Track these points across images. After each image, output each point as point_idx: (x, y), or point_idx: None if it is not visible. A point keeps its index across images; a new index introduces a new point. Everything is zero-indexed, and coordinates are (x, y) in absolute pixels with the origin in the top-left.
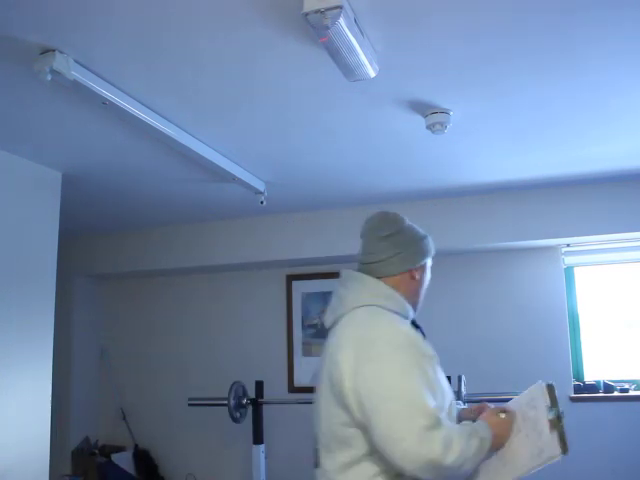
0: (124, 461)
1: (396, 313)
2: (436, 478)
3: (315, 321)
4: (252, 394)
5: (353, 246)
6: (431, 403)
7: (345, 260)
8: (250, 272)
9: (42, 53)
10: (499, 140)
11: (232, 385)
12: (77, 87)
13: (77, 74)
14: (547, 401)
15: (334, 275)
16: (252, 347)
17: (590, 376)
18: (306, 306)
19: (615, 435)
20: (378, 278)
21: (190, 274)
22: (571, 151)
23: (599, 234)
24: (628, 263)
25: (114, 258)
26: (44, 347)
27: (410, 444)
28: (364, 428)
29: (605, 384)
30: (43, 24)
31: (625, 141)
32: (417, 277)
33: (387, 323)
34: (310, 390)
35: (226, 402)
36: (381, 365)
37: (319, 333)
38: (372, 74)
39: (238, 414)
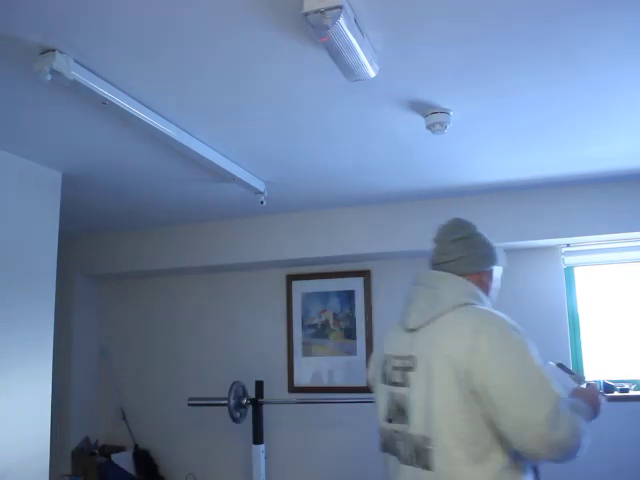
0: (124, 461)
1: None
2: (563, 458)
3: (315, 321)
4: (252, 394)
5: (353, 246)
6: (555, 388)
7: (345, 260)
8: (250, 272)
9: (42, 53)
10: (499, 140)
11: (232, 385)
12: (77, 87)
13: (77, 74)
14: (567, 373)
15: (334, 275)
16: (252, 347)
17: (590, 376)
18: (306, 306)
19: (615, 434)
20: (460, 276)
21: (190, 274)
22: (571, 151)
23: (599, 234)
24: (628, 263)
25: (114, 258)
26: (44, 347)
27: (545, 428)
28: (490, 422)
29: (605, 384)
30: (43, 24)
31: (625, 141)
32: (485, 281)
33: (502, 318)
34: (310, 390)
35: (226, 402)
36: (508, 356)
37: (319, 333)
38: (372, 74)
39: (238, 414)
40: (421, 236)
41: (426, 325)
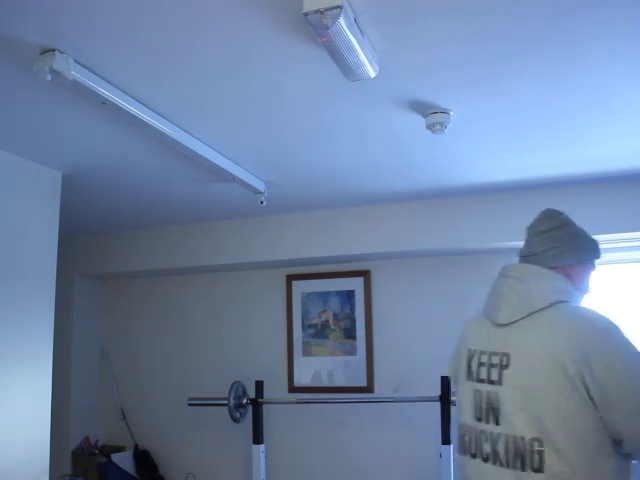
0: (124, 461)
1: None
2: None
3: (315, 321)
4: (252, 394)
5: (353, 246)
6: None
7: (345, 260)
8: (250, 272)
9: (42, 53)
10: (499, 140)
11: (232, 385)
12: (77, 87)
13: (77, 74)
14: None
15: (334, 275)
16: (252, 347)
17: None
18: (306, 306)
19: None
20: (550, 269)
21: (190, 274)
22: (571, 151)
23: (599, 234)
24: (628, 263)
25: (114, 258)
26: (44, 347)
27: None
28: (603, 424)
29: None
30: (43, 24)
31: (625, 141)
32: (573, 274)
33: (607, 319)
34: (310, 390)
35: (226, 402)
36: (622, 358)
37: (319, 333)
38: (372, 74)
39: (238, 414)
40: (421, 236)
41: (520, 321)
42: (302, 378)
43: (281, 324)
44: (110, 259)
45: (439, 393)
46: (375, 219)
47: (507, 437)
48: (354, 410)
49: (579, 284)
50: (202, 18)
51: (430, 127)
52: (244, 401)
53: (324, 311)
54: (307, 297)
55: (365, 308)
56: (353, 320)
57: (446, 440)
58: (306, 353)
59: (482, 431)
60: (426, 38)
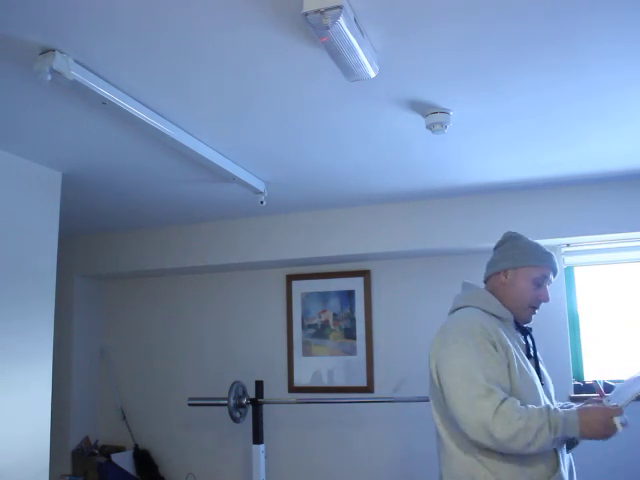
0: (124, 461)
1: (490, 313)
2: (495, 446)
3: (315, 321)
4: (252, 394)
5: (353, 246)
6: (482, 377)
7: (345, 260)
8: (250, 272)
9: (42, 53)
10: (499, 140)
11: (232, 385)
12: (77, 87)
13: (77, 74)
14: None
15: (334, 275)
16: (252, 347)
17: (590, 376)
18: (306, 306)
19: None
20: (485, 281)
21: (190, 274)
22: (571, 151)
23: (599, 234)
24: (628, 263)
25: (114, 258)
26: (44, 347)
27: (464, 409)
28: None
29: (605, 384)
30: (43, 24)
31: (625, 141)
32: (504, 280)
33: (464, 317)
34: (310, 390)
35: (226, 402)
36: (448, 349)
37: (319, 333)
38: (372, 74)
39: (238, 414)
40: (421, 236)
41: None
42: (302, 378)
43: (281, 324)
44: (110, 259)
45: None
46: (375, 219)
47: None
48: (354, 410)
49: (510, 290)
50: (202, 18)
51: (430, 127)
52: (244, 401)
53: (324, 311)
54: (307, 297)
55: (365, 308)
56: (353, 320)
57: None
58: (306, 353)
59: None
60: (426, 38)
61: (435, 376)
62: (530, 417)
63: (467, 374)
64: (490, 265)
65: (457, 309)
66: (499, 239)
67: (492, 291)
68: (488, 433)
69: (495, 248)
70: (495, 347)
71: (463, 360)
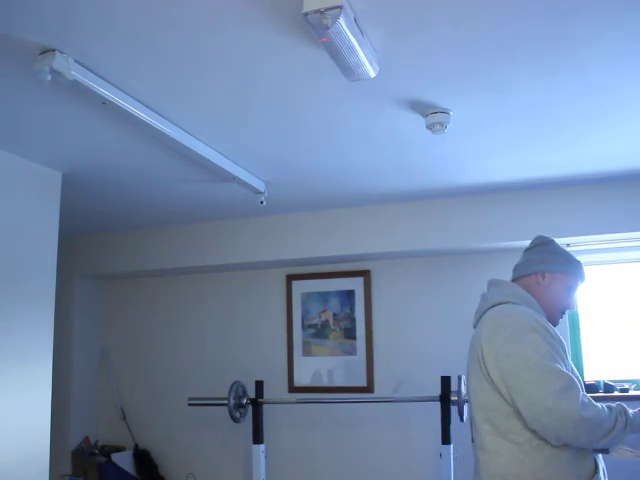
0: (124, 461)
1: (528, 308)
2: (576, 436)
3: (315, 321)
4: (252, 394)
5: (353, 246)
6: (561, 369)
7: (345, 260)
8: (250, 272)
9: (42, 53)
10: (499, 140)
11: (232, 385)
12: (77, 87)
13: (77, 74)
14: None
15: (334, 275)
16: (252, 347)
17: (590, 376)
18: (306, 306)
19: None
20: (513, 281)
21: (190, 274)
22: (571, 151)
23: (599, 234)
24: (628, 263)
25: (114, 258)
26: (44, 347)
27: (551, 402)
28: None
29: (605, 384)
30: (43, 24)
31: (625, 141)
32: (541, 282)
33: (517, 312)
34: (310, 390)
35: (226, 402)
36: (514, 344)
37: (319, 333)
38: (372, 74)
39: (238, 414)
40: (421, 236)
41: (477, 323)
42: (302, 378)
43: (281, 324)
44: (110, 259)
45: (439, 393)
46: (375, 219)
47: (472, 419)
48: (354, 410)
49: (545, 292)
50: (203, 19)
51: (430, 127)
52: (244, 401)
53: (324, 311)
54: (307, 297)
55: (365, 308)
56: (353, 320)
57: (446, 440)
58: (306, 353)
59: (471, 417)
60: (426, 38)
61: (494, 373)
62: (608, 407)
63: (546, 368)
64: (524, 266)
65: (495, 305)
66: (531, 241)
67: (525, 287)
68: (574, 423)
69: (528, 249)
70: (555, 340)
71: (537, 355)
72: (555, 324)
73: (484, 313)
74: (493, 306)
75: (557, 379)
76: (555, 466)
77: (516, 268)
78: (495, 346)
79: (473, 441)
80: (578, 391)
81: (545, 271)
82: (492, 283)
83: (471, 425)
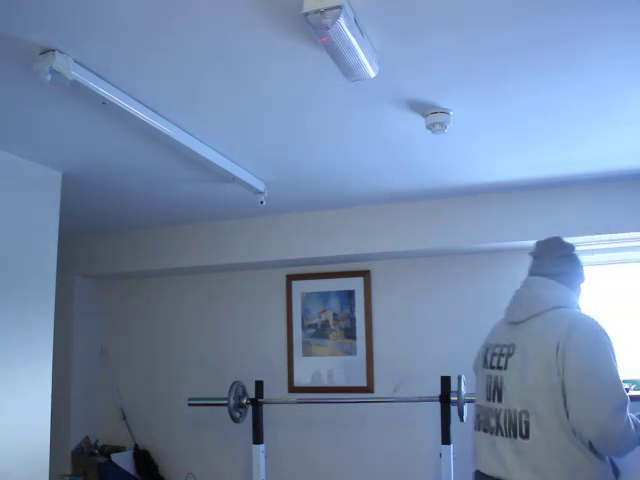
0: (124, 461)
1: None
2: (610, 449)
3: (315, 321)
4: (252, 394)
5: (353, 246)
6: (624, 390)
7: (345, 260)
8: (250, 272)
9: (42, 53)
10: (499, 140)
11: (232, 385)
12: (77, 87)
13: (77, 74)
14: None
15: (334, 275)
16: (252, 347)
17: None
18: (306, 306)
19: None
20: (553, 277)
21: (190, 274)
22: (571, 151)
23: (599, 234)
24: (629, 263)
25: (114, 258)
26: (44, 347)
27: (604, 417)
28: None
29: None
30: (43, 24)
31: (624, 141)
32: (579, 292)
33: (594, 321)
34: (310, 390)
35: (226, 402)
36: (586, 353)
37: (319, 333)
38: (372, 74)
39: (238, 414)
40: (421, 236)
41: (528, 320)
42: (302, 378)
43: (281, 324)
44: (110, 259)
45: (439, 393)
46: (375, 219)
47: (505, 411)
48: (354, 410)
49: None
50: (202, 19)
51: (430, 127)
52: (244, 401)
53: (324, 311)
54: (307, 297)
55: (365, 308)
56: (353, 320)
57: (446, 440)
58: (306, 353)
59: (490, 409)
60: (426, 38)
61: (570, 372)
62: (635, 424)
63: (615, 385)
64: (576, 276)
65: (554, 308)
66: (564, 241)
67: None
68: (615, 442)
69: (563, 251)
70: (613, 351)
71: (612, 371)
72: None
73: (541, 313)
74: (554, 308)
75: (619, 398)
76: (599, 466)
77: (556, 275)
78: (576, 353)
79: (507, 436)
80: (627, 414)
81: (583, 284)
82: (541, 283)
83: (500, 421)
